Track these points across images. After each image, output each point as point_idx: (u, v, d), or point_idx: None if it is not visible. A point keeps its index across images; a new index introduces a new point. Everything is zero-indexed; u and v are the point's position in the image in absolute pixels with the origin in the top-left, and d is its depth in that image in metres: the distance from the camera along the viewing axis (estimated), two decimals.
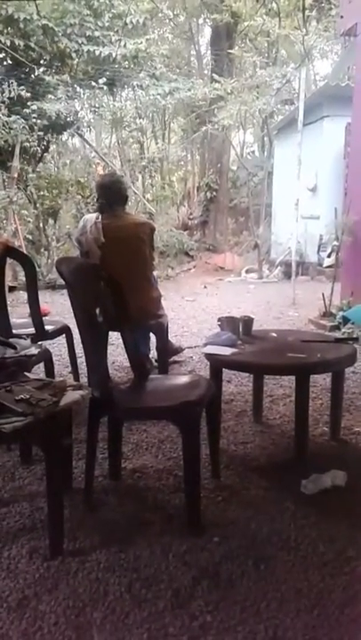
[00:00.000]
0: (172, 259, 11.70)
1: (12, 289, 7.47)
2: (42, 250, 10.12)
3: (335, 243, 7.40)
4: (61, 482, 2.20)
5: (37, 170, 10.32)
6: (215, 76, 11.70)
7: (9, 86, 8.74)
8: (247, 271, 11.65)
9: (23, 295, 3.84)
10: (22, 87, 8.86)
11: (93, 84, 10.11)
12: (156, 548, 2.09)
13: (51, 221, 10.48)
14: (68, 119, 10.12)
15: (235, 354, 2.83)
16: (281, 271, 11.19)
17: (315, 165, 10.42)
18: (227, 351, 2.86)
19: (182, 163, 17.82)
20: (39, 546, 2.11)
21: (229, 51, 13.22)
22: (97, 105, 11.09)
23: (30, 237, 9.90)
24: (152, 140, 15.94)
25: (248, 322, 3.18)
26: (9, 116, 8.80)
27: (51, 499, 2.10)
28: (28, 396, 2.14)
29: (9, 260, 3.69)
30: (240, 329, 3.13)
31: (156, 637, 1.67)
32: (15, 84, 8.79)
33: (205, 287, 9.88)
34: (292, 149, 9.74)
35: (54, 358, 3.50)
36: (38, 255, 9.82)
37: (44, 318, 3.60)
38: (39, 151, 9.96)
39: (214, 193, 14.22)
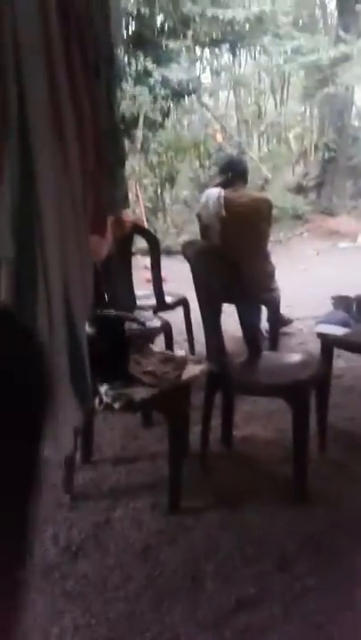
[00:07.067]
0: (284, 223, 11.55)
1: None
2: (159, 214, 10.41)
3: None
4: (182, 446, 2.44)
5: (157, 137, 10.54)
6: (341, 34, 11.16)
7: (136, 59, 8.95)
8: None
9: (139, 260, 4.20)
10: (148, 58, 9.04)
11: (215, 50, 10.10)
12: (265, 514, 2.29)
13: (168, 186, 10.72)
14: (190, 86, 10.19)
15: (348, 334, 2.91)
16: None
17: None
18: (339, 331, 2.95)
19: (300, 119, 17.24)
20: (159, 501, 2.38)
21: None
22: (218, 68, 11.07)
23: (149, 205, 10.20)
24: (270, 99, 15.55)
25: None
26: (134, 87, 9.02)
27: (172, 461, 2.35)
28: (153, 369, 2.39)
29: None
30: (354, 308, 3.18)
31: (262, 593, 1.88)
32: (142, 56, 8.99)
33: (318, 254, 9.72)
34: None
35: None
36: (155, 220, 10.12)
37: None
38: (160, 119, 10.16)
39: (333, 153, 13.74)
